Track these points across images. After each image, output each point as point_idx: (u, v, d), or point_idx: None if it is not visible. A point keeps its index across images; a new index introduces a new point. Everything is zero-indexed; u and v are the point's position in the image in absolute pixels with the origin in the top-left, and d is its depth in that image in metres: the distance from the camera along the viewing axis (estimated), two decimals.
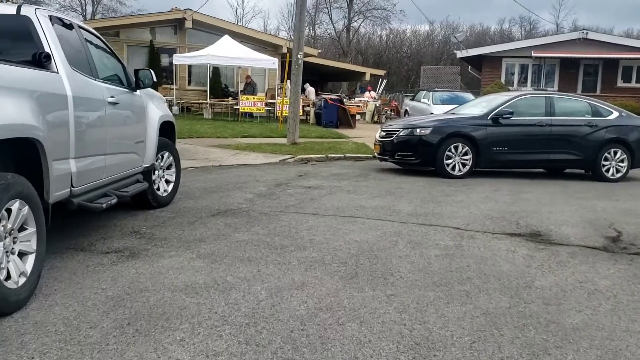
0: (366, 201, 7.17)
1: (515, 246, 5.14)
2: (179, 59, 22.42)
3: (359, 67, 35.71)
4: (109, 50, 5.55)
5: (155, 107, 6.18)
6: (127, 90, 5.55)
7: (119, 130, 5.17)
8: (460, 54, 29.24)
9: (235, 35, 23.55)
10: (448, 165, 9.64)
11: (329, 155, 12.45)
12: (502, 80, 28.18)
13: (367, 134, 18.26)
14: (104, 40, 5.56)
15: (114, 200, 4.75)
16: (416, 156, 9.74)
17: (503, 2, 67.13)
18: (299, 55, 13.94)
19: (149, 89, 6.21)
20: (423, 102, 19.78)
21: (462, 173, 9.70)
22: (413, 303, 3.59)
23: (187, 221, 5.72)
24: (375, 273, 4.19)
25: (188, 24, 24.14)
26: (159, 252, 4.59)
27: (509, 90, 26.28)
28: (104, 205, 4.51)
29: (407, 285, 3.94)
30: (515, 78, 28.94)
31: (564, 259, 4.76)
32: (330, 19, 53.24)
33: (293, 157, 11.97)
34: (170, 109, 22.65)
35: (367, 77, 33.43)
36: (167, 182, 6.55)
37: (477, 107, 10.91)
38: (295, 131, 14.05)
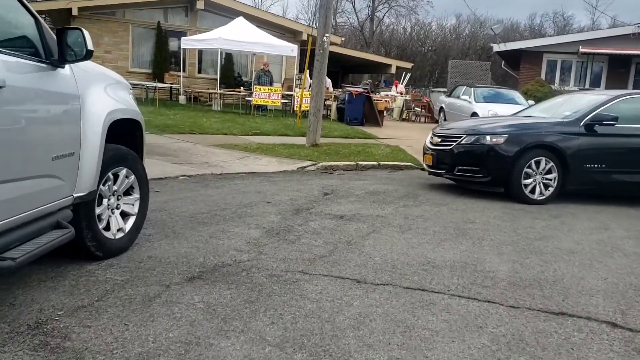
0: (433, 250, 4.69)
1: None
2: (188, 42, 20.01)
3: (385, 58, 33.06)
4: None
5: (103, 96, 3.74)
6: (41, 64, 3.13)
7: (7, 137, 2.74)
8: (497, 47, 26.51)
9: (251, 19, 21.08)
10: (526, 186, 7.13)
11: (359, 162, 9.97)
12: (542, 77, 25.49)
13: (399, 134, 15.77)
14: None
15: None
16: (484, 172, 7.22)
17: None
18: (324, 38, 11.46)
19: (93, 65, 3.79)
20: (463, 99, 17.17)
21: (543, 197, 7.19)
22: None
23: (142, 295, 3.29)
24: None
25: (200, 5, 21.72)
26: None
27: (551, 89, 23.68)
28: None
29: None
30: (557, 76, 26.19)
31: None
32: (354, 7, 50.55)
33: (314, 164, 9.52)
34: (177, 98, 20.58)
35: (393, 70, 30.82)
36: (125, 215, 4.12)
37: (555, 109, 8.37)
38: (317, 130, 11.58)
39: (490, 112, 15.40)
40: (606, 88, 24.80)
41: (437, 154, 7.73)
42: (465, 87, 18.31)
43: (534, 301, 3.60)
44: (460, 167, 7.40)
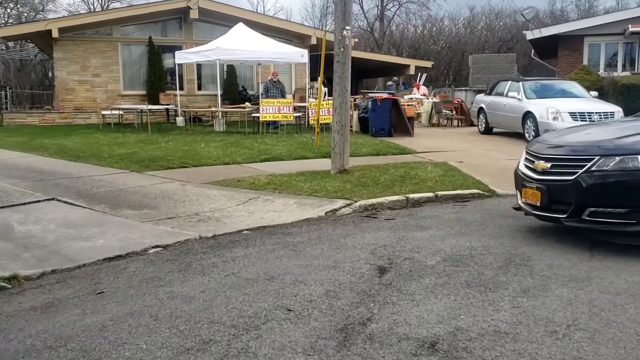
0: None
1: None
2: (182, 56, 17.41)
3: (403, 59, 30.33)
4: None
5: None
6: None
7: None
8: (530, 34, 23.49)
9: (252, 25, 18.41)
10: None
11: (409, 195, 7.17)
12: (584, 64, 22.48)
13: (438, 145, 12.89)
14: None
15: None
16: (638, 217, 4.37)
17: None
18: (345, 33, 8.69)
19: None
20: (511, 97, 14.24)
21: None
22: None
23: None
24: None
25: (194, 14, 19.16)
26: None
27: (599, 77, 20.66)
28: None
29: None
30: (602, 61, 23.15)
31: None
32: (362, 7, 47.74)
33: (349, 205, 6.73)
34: (175, 120, 17.83)
35: (412, 71, 27.99)
36: None
37: None
38: (345, 152, 8.77)
39: (550, 111, 12.49)
40: None
41: (548, 189, 4.87)
42: (510, 82, 15.38)
43: None
44: (595, 210, 4.53)
